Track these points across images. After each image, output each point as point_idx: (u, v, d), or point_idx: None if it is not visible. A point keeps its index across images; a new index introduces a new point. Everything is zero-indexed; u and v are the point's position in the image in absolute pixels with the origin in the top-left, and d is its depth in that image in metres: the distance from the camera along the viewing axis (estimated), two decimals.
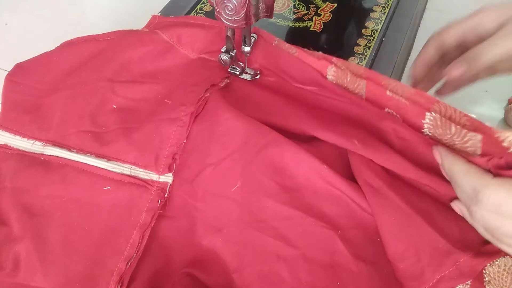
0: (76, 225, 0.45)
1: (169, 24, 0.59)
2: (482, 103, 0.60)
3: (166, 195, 0.46)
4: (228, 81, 0.54)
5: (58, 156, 0.48)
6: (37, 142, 0.50)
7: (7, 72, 0.54)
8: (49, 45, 0.60)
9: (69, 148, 0.48)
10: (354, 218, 0.44)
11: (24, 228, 0.44)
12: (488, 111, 0.59)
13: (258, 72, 0.55)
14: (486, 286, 0.39)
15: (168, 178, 0.46)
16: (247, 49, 0.53)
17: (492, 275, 0.39)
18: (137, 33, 0.58)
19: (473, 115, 0.38)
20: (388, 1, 0.69)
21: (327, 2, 0.69)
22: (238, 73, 0.54)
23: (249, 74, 0.55)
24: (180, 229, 0.47)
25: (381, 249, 0.42)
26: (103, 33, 0.57)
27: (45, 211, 0.45)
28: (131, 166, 0.47)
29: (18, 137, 0.51)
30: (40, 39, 0.71)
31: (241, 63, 0.55)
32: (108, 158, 0.47)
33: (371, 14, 0.67)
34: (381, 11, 0.67)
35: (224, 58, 0.53)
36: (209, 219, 0.47)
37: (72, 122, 0.50)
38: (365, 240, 0.43)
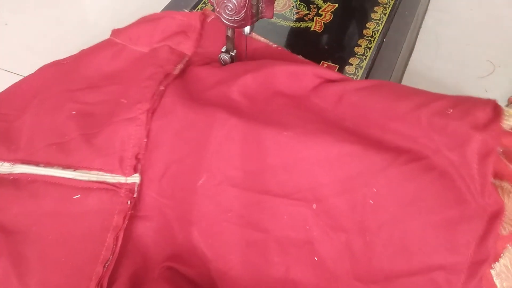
0: (51, 238, 0.45)
1: (125, 27, 0.60)
2: None
3: (135, 195, 0.46)
4: (182, 66, 0.54)
5: (26, 173, 0.48)
6: (6, 163, 0.50)
7: (7, 72, 0.54)
8: (49, 45, 0.60)
9: (36, 164, 0.49)
10: (338, 186, 0.43)
11: (0, 247, 0.45)
12: None
13: None
14: None
15: (135, 178, 0.47)
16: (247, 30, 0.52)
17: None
18: (94, 45, 0.59)
19: None
20: (389, 2, 0.68)
21: (328, 3, 0.69)
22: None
23: None
24: (154, 227, 0.48)
25: (366, 214, 0.42)
26: (68, 57, 0.58)
27: (19, 228, 0.46)
28: (98, 172, 0.47)
29: None
30: (40, 39, 0.71)
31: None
32: (75, 168, 0.48)
33: (372, 15, 0.67)
34: (382, 11, 0.67)
35: (225, 58, 0.52)
36: (181, 214, 0.47)
37: (39, 138, 0.50)
38: (347, 208, 0.43)
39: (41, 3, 0.79)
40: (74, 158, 0.48)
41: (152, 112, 0.48)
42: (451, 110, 0.41)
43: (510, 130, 0.41)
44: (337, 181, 0.43)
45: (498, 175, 0.41)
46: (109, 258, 0.44)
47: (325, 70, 0.49)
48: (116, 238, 0.45)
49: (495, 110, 0.41)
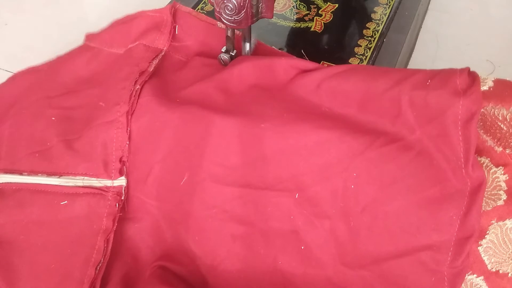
0: (40, 245, 0.45)
1: (99, 31, 0.60)
2: None
3: (123, 198, 0.46)
4: (157, 61, 0.54)
5: (10, 182, 0.48)
6: None
7: (7, 72, 0.54)
8: (49, 45, 0.60)
9: (20, 172, 0.48)
10: (318, 173, 0.43)
11: None
12: None
13: None
14: None
15: (121, 181, 0.47)
16: (247, 49, 0.53)
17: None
18: (69, 51, 0.59)
19: None
20: (389, 2, 0.68)
21: (329, 3, 0.69)
22: None
23: None
24: (143, 228, 0.48)
25: (348, 199, 0.42)
26: (43, 63, 0.58)
27: (7, 238, 0.45)
28: (83, 177, 0.47)
29: None
30: (40, 39, 0.71)
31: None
32: (60, 174, 0.47)
33: (373, 15, 0.67)
34: (382, 12, 0.67)
35: (224, 58, 0.52)
36: (168, 214, 0.47)
37: (20, 147, 0.50)
38: (329, 194, 0.43)
39: (41, 3, 0.79)
40: (58, 164, 0.47)
41: (131, 113, 0.48)
42: (429, 81, 0.42)
43: (488, 89, 0.42)
44: (317, 168, 0.43)
45: (476, 151, 0.41)
46: (100, 261, 0.44)
47: (300, 61, 0.50)
48: (107, 241, 0.45)
49: (472, 76, 0.42)
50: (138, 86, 0.49)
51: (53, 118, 0.50)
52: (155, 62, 0.53)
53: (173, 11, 0.57)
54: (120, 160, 0.47)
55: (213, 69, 0.52)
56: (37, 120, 0.50)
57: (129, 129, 0.47)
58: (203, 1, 0.69)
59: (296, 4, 0.69)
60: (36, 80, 0.55)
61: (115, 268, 0.46)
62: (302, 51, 0.59)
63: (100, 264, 0.44)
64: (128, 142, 0.47)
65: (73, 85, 0.54)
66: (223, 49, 0.53)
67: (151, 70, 0.52)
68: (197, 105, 0.47)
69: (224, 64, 0.53)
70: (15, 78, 0.57)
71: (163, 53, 0.55)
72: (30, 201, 0.46)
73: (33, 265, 0.44)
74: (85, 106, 0.51)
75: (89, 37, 0.59)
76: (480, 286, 0.40)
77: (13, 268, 0.44)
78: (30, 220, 0.46)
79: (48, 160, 0.48)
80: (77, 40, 0.61)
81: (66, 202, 0.46)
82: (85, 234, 0.45)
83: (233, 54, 0.53)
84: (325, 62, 0.60)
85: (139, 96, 0.49)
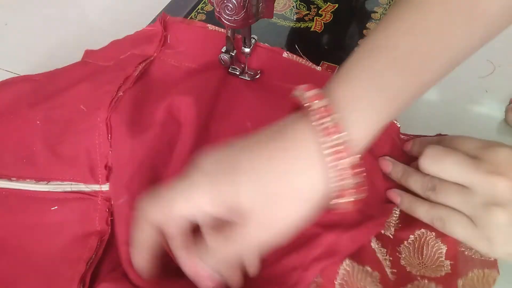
0: (29, 250, 0.44)
1: (97, 49, 0.60)
2: (482, 103, 0.59)
3: (112, 202, 0.46)
4: (143, 65, 0.54)
5: (0, 188, 0.48)
6: None
7: (7, 72, 0.54)
8: (49, 45, 0.59)
9: (9, 178, 0.48)
10: None
11: None
12: (488, 111, 0.58)
13: (259, 72, 0.55)
14: None
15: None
16: (247, 50, 0.53)
17: None
18: (67, 65, 0.59)
19: None
20: (389, 2, 0.68)
21: (329, 3, 0.69)
22: (238, 73, 0.54)
23: (250, 73, 0.55)
24: None
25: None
26: (40, 73, 0.57)
27: None
28: (71, 183, 0.47)
29: None
30: (40, 39, 0.71)
31: (242, 64, 0.54)
32: (48, 180, 0.47)
33: (373, 15, 0.67)
34: (382, 12, 0.67)
35: (224, 58, 0.52)
36: None
37: (8, 152, 0.49)
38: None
39: (41, 3, 0.79)
40: (45, 170, 0.47)
41: (110, 124, 0.47)
42: None
43: None
44: None
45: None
46: (91, 257, 0.43)
47: None
48: (100, 241, 0.44)
49: None
50: (120, 93, 0.49)
51: (38, 122, 0.50)
52: (141, 66, 0.53)
53: (164, 22, 0.58)
54: (106, 167, 0.47)
55: (203, 78, 0.53)
56: (24, 124, 0.50)
57: (110, 135, 0.47)
58: (203, 1, 0.69)
59: (296, 4, 0.69)
60: (30, 89, 0.55)
61: (106, 266, 0.45)
62: (296, 46, 0.59)
63: (91, 260, 0.43)
64: (111, 150, 0.47)
65: (59, 89, 0.53)
66: (223, 49, 0.53)
67: (136, 74, 0.52)
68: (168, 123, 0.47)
69: (224, 64, 0.53)
70: (8, 85, 0.56)
71: (152, 58, 0.55)
72: (20, 207, 0.46)
73: (24, 269, 0.44)
74: (66, 107, 0.50)
75: (87, 53, 0.59)
76: None
77: (4, 272, 0.44)
78: (21, 226, 0.46)
79: (35, 166, 0.48)
80: (77, 40, 0.61)
81: (56, 207, 0.46)
82: (76, 237, 0.45)
83: (233, 54, 0.53)
84: (325, 62, 0.60)
85: (120, 101, 0.48)
